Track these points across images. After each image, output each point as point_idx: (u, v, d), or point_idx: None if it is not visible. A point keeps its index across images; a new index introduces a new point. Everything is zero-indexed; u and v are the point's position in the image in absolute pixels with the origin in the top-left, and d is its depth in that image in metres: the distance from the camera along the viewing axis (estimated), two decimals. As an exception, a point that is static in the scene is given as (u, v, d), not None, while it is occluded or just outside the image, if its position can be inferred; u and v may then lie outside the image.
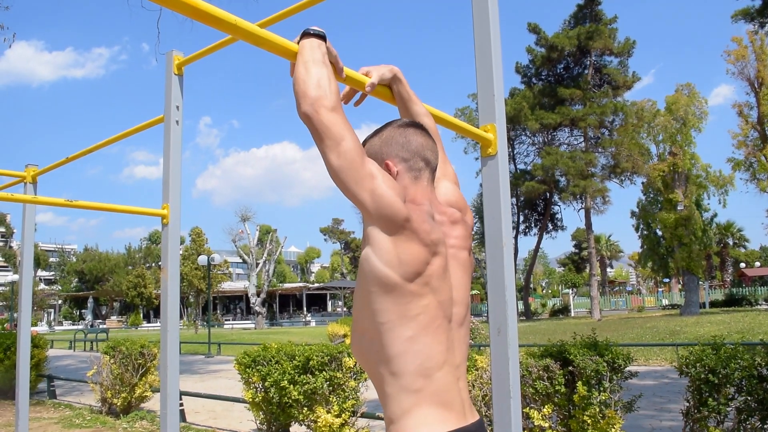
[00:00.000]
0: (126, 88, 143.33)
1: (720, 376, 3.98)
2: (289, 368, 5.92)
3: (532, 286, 54.27)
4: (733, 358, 4.01)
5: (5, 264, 69.90)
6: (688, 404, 4.34)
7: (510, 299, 2.26)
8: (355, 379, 5.83)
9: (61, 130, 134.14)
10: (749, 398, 4.04)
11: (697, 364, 4.13)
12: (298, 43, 1.45)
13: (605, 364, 4.30)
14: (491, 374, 2.24)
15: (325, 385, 5.67)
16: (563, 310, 43.29)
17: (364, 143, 1.54)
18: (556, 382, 4.43)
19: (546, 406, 4.57)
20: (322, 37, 1.45)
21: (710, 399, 4.08)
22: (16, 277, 31.60)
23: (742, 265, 52.99)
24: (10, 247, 72.93)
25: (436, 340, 1.35)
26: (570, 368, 4.43)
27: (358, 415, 5.89)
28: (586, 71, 36.70)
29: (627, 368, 4.46)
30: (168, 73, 2.68)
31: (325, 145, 1.32)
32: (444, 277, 1.41)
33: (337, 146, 1.31)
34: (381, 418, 5.71)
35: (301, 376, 5.84)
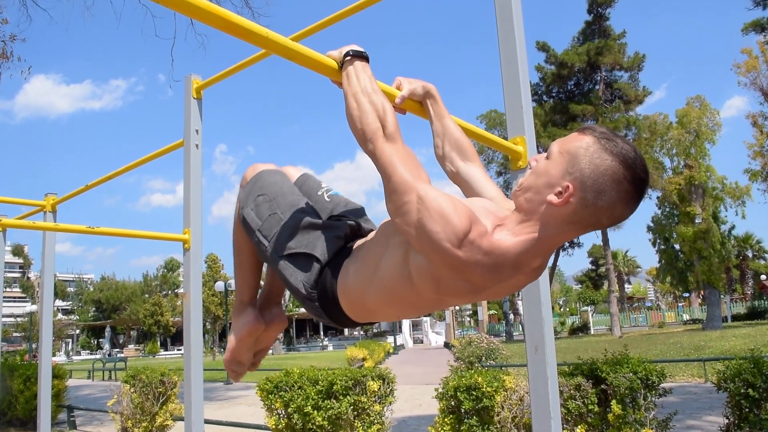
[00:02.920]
0: (143, 119, 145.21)
1: (760, 390, 3.86)
2: (313, 393, 5.82)
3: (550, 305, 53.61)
4: (773, 371, 3.89)
5: (23, 295, 70.41)
6: (727, 420, 4.21)
7: (547, 316, 2.19)
8: (380, 403, 5.73)
9: (79, 162, 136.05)
10: (791, 413, 3.91)
11: (736, 379, 4.01)
12: (341, 64, 1.43)
13: (639, 382, 4.18)
14: (530, 394, 2.16)
15: (349, 410, 5.57)
16: (583, 328, 42.74)
17: (583, 132, 1.24)
18: (589, 401, 4.31)
19: (579, 427, 4.44)
20: (365, 57, 1.43)
21: (751, 414, 3.95)
22: (34, 307, 31.76)
23: (763, 277, 52.19)
24: (28, 278, 73.54)
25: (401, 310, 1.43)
26: (603, 386, 4.32)
27: (384, 439, 5.78)
28: (597, 87, 36.65)
29: (661, 385, 4.34)
30: (187, 96, 2.66)
31: (383, 178, 1.27)
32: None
33: (388, 180, 1.24)
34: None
35: (325, 402, 5.74)
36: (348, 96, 1.36)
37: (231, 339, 1.85)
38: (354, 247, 1.54)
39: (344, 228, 1.60)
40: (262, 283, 1.95)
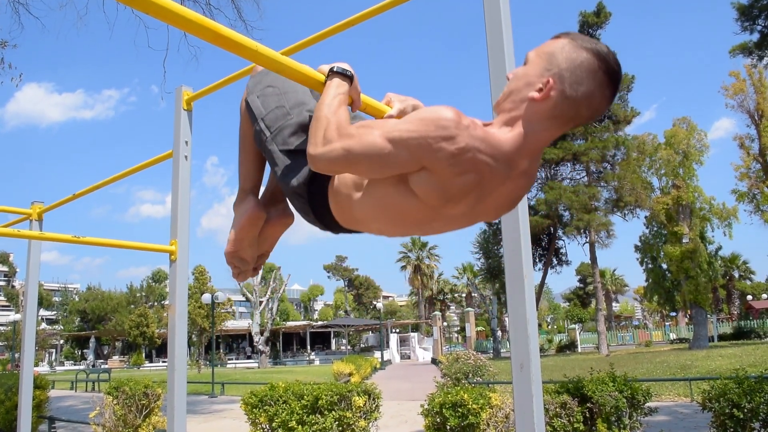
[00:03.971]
0: (135, 130, 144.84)
1: (745, 410, 3.86)
2: (298, 408, 5.78)
3: (537, 321, 53.58)
4: (757, 391, 3.90)
5: (7, 303, 69.65)
6: (711, 441, 4.21)
7: (533, 333, 2.19)
8: (365, 419, 5.70)
9: (68, 171, 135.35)
10: (775, 434, 3.91)
11: (721, 399, 4.01)
12: (327, 76, 1.46)
13: (625, 400, 4.18)
14: (515, 412, 2.16)
15: (334, 426, 5.53)
16: (570, 346, 42.78)
17: (558, 36, 1.30)
18: (575, 420, 4.31)
19: (563, 445, 4.43)
20: (347, 76, 1.46)
21: (735, 435, 3.95)
22: (18, 316, 31.39)
23: (749, 297, 52.57)
24: (13, 286, 72.77)
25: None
26: (588, 405, 4.31)
27: (368, 455, 5.74)
28: (586, 106, 36.94)
29: (647, 404, 4.34)
30: (177, 108, 2.66)
31: (352, 170, 1.31)
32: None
33: (355, 163, 1.29)
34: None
35: (310, 416, 5.70)
36: (315, 113, 1.40)
37: (232, 231, 1.78)
38: None
39: None
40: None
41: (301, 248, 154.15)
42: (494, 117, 1.34)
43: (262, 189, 1.87)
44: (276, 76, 1.70)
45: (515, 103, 1.29)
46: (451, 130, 1.17)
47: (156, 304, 62.45)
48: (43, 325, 62.16)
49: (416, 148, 1.20)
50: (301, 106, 1.64)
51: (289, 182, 1.54)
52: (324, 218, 1.55)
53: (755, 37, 19.81)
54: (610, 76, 1.26)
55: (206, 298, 26.88)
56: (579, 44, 1.27)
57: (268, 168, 1.82)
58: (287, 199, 1.62)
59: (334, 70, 1.45)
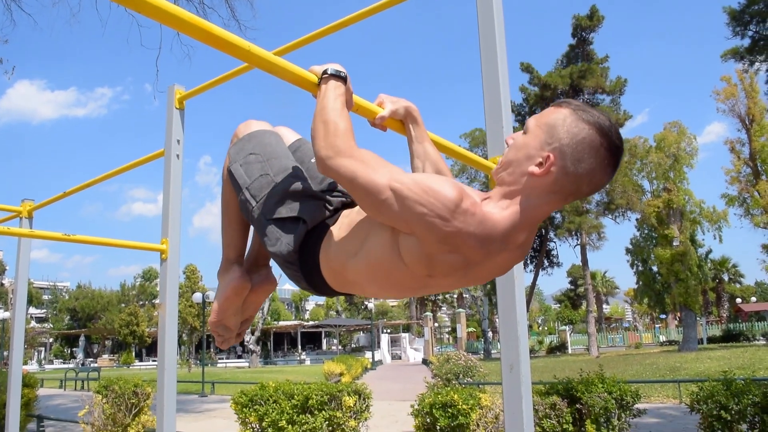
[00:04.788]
0: (128, 128, 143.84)
1: (732, 412, 3.89)
2: (288, 408, 5.78)
3: (528, 323, 53.64)
4: (745, 393, 3.92)
5: (-4, 302, 69.13)
6: (699, 443, 4.23)
7: (522, 335, 2.19)
8: (355, 419, 5.70)
9: (60, 169, 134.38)
10: (762, 436, 3.94)
11: (709, 401, 4.03)
12: (319, 79, 1.44)
13: (614, 402, 4.20)
14: (504, 413, 2.16)
15: (324, 425, 5.53)
16: (560, 347, 42.93)
17: (559, 105, 1.29)
18: (564, 420, 4.32)
19: (552, 446, 4.45)
20: (342, 77, 1.43)
21: (722, 437, 3.98)
22: (7, 314, 31.17)
23: (739, 300, 52.90)
24: (2, 284, 72.25)
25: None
26: (578, 406, 4.33)
27: (358, 456, 5.74)
28: (578, 109, 37.06)
29: (635, 405, 4.36)
30: (169, 106, 2.65)
31: (350, 191, 1.30)
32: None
33: (355, 191, 1.28)
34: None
35: (300, 416, 5.70)
36: (314, 114, 1.38)
37: (216, 301, 1.78)
38: (342, 215, 1.54)
39: (335, 202, 1.61)
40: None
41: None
42: (492, 186, 1.32)
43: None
44: (258, 143, 1.68)
45: (514, 176, 1.26)
46: (448, 212, 1.15)
47: (147, 302, 62.17)
48: (33, 324, 61.72)
49: (408, 210, 1.18)
50: (285, 172, 1.62)
51: (279, 252, 1.53)
52: (317, 284, 1.54)
53: (746, 42, 19.99)
54: (612, 152, 1.24)
55: (197, 297, 26.81)
56: (581, 117, 1.24)
57: (251, 234, 1.82)
58: (279, 267, 1.61)
59: (329, 72, 1.42)
